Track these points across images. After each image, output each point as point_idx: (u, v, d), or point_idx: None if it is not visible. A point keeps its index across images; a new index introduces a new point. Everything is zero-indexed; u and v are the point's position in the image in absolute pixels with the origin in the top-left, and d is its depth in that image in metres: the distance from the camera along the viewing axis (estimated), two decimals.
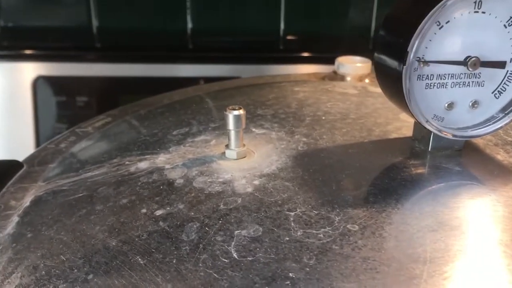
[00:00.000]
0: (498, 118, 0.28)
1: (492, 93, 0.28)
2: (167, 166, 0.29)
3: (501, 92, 0.28)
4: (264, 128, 0.33)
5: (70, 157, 0.34)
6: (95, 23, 0.96)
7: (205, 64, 0.88)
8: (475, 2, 0.26)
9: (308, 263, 0.21)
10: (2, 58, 0.87)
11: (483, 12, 0.26)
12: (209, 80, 0.83)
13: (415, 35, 0.25)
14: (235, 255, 0.22)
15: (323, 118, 0.35)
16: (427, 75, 0.27)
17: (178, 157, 0.30)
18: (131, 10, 0.95)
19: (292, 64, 0.84)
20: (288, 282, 0.20)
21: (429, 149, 0.29)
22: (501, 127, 0.28)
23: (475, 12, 0.26)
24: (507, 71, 0.27)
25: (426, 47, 0.26)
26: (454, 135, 0.28)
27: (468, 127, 0.28)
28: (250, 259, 0.21)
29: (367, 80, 0.46)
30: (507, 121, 0.28)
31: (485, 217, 0.24)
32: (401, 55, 0.26)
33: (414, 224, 0.23)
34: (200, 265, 0.21)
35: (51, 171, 0.32)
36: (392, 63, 0.26)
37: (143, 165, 0.30)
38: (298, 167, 0.28)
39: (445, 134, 0.28)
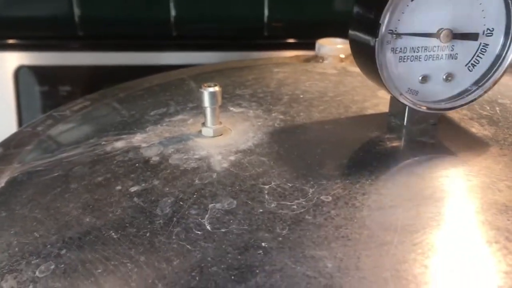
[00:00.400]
0: (471, 91, 0.28)
1: (466, 65, 0.28)
2: (143, 145, 0.29)
3: (474, 65, 0.28)
4: (242, 107, 0.33)
5: (46, 140, 0.33)
6: (77, 11, 0.95)
7: (189, 52, 0.87)
8: None
9: (281, 233, 0.21)
10: None
11: None
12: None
13: (386, 7, 0.25)
14: (208, 227, 0.22)
15: (301, 96, 0.35)
16: (400, 48, 0.27)
17: (154, 136, 0.30)
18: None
19: (276, 50, 0.84)
20: (260, 251, 0.20)
21: (405, 124, 0.29)
22: (474, 99, 0.28)
23: None
24: (480, 43, 0.28)
25: (399, 20, 0.26)
26: (428, 108, 0.28)
27: (442, 100, 0.28)
28: (223, 230, 0.21)
29: (349, 62, 0.46)
30: (480, 93, 0.28)
31: (458, 187, 0.24)
32: (373, 28, 0.26)
33: (387, 194, 0.23)
34: (174, 237, 0.21)
35: (27, 153, 0.32)
36: (365, 38, 0.26)
37: (119, 144, 0.30)
38: (274, 143, 0.28)
39: (419, 107, 0.28)
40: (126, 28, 0.94)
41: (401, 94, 0.27)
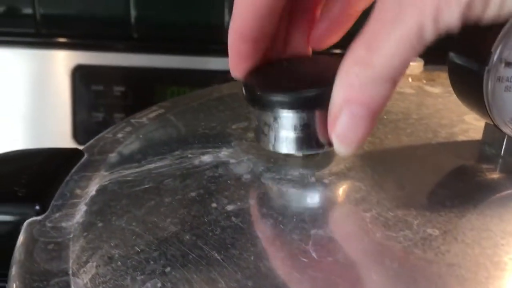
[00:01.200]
0: None
1: None
2: (232, 161, 0.29)
3: None
4: None
5: (129, 147, 0.34)
6: (133, 13, 0.96)
7: None
8: None
9: (391, 266, 0.20)
10: (41, 46, 0.88)
11: None
12: None
13: (500, 35, 0.24)
14: (314, 254, 0.21)
15: (385, 117, 0.34)
16: (507, 77, 0.26)
17: (241, 152, 0.30)
18: (168, 2, 0.95)
19: None
20: (373, 285, 0.19)
21: (502, 153, 0.28)
22: None
23: None
24: None
25: (510, 50, 0.25)
26: None
27: None
28: (329, 259, 0.21)
29: (424, 81, 0.45)
30: None
31: None
32: (483, 57, 0.25)
33: (496, 230, 0.22)
34: (279, 263, 0.21)
35: (112, 160, 0.32)
36: (471, 64, 0.26)
37: (207, 158, 0.30)
38: (367, 167, 0.28)
39: None
40: (179, 32, 0.95)
41: (505, 123, 0.26)
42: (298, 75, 0.27)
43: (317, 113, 0.26)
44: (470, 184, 0.26)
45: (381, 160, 0.28)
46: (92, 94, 0.88)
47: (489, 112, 0.26)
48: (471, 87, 0.26)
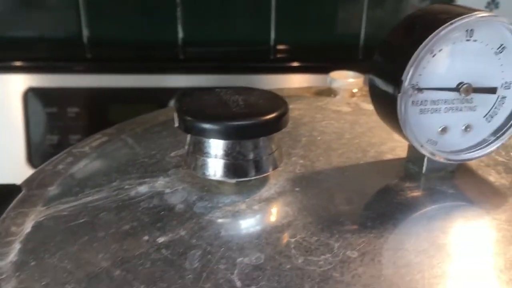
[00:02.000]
0: (490, 141, 0.29)
1: (484, 117, 0.29)
2: (167, 191, 0.30)
3: (493, 116, 0.29)
4: None
5: (69, 180, 0.34)
6: (85, 33, 0.96)
7: (195, 75, 0.88)
8: (466, 31, 0.26)
9: None
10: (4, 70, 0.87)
11: (475, 40, 0.27)
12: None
13: (409, 64, 0.26)
14: (238, 283, 0.22)
15: (319, 138, 0.35)
16: (421, 101, 0.27)
17: (177, 180, 0.31)
18: (121, 21, 0.95)
19: (282, 74, 0.85)
20: None
21: (423, 171, 0.30)
22: (492, 151, 0.29)
23: (467, 40, 0.27)
24: (498, 96, 0.28)
25: (420, 75, 0.27)
26: (447, 159, 0.28)
27: (461, 150, 0.29)
28: (253, 287, 0.22)
29: (361, 98, 0.47)
30: (498, 144, 0.29)
31: (480, 241, 0.25)
32: (396, 83, 0.26)
33: (411, 249, 0.24)
34: None
35: (50, 194, 0.32)
36: (388, 88, 0.27)
37: (143, 189, 0.30)
38: (297, 192, 0.29)
39: (438, 158, 0.28)
40: (133, 51, 0.95)
41: (421, 145, 0.28)
42: (231, 104, 0.28)
43: (249, 142, 0.27)
44: (392, 204, 0.27)
45: (311, 183, 0.29)
46: (46, 117, 0.87)
47: (405, 134, 0.27)
48: (388, 109, 0.27)
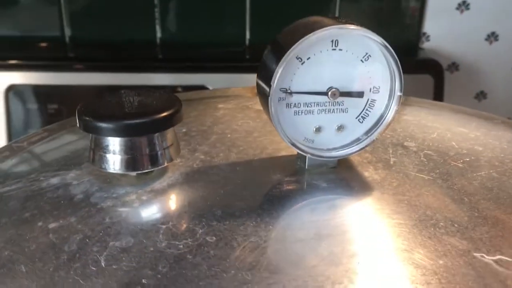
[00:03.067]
0: (362, 140, 0.32)
1: (356, 118, 0.31)
2: (74, 182, 0.33)
3: (364, 117, 0.31)
4: None
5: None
6: (67, 33, 0.99)
7: (173, 73, 0.91)
8: (332, 41, 0.29)
9: (162, 270, 0.24)
10: None
11: (340, 50, 0.29)
12: (180, 88, 0.87)
13: (276, 69, 0.29)
14: (103, 264, 0.25)
15: (228, 136, 0.38)
16: (295, 104, 0.30)
17: (86, 173, 0.34)
18: (102, 21, 0.99)
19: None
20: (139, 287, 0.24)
21: (306, 167, 0.33)
22: (364, 147, 0.32)
23: (333, 49, 0.29)
24: (368, 99, 0.31)
25: (291, 80, 0.30)
26: (320, 156, 0.31)
27: (336, 148, 0.32)
28: (114, 267, 0.25)
29: None
30: (369, 141, 0.32)
31: (325, 232, 0.28)
32: (269, 86, 0.29)
33: (265, 236, 0.27)
34: (71, 272, 0.25)
35: None
36: (264, 91, 0.30)
37: (54, 180, 0.33)
38: (186, 184, 0.32)
39: (316, 156, 0.31)
40: (113, 50, 0.99)
41: (293, 143, 0.31)
42: (126, 105, 0.31)
43: (141, 138, 0.31)
44: (266, 196, 0.30)
45: (202, 177, 0.33)
46: (27, 113, 0.92)
47: (279, 133, 0.30)
48: (266, 110, 0.30)
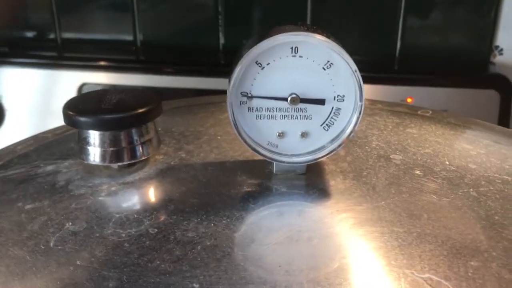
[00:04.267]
0: (327, 147, 0.32)
1: (321, 125, 0.31)
2: (64, 170, 0.36)
3: (329, 126, 0.31)
4: (163, 144, 0.39)
5: (14, 157, 0.42)
6: (139, 37, 1.06)
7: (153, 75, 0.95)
8: (291, 48, 0.30)
9: (97, 255, 0.26)
10: (62, 67, 0.99)
11: (300, 56, 0.30)
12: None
13: (234, 74, 0.30)
14: (52, 244, 0.28)
15: (219, 137, 0.40)
16: (256, 108, 0.31)
17: (77, 164, 0.37)
18: (170, 27, 1.05)
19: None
20: (72, 268, 0.26)
21: (274, 172, 0.33)
22: (329, 153, 0.32)
23: (293, 56, 0.30)
24: (333, 107, 0.31)
25: (252, 84, 0.30)
26: (281, 161, 0.32)
27: (301, 154, 0.32)
28: (59, 248, 0.27)
29: None
30: (334, 147, 0.31)
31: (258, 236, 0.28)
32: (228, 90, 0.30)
33: (201, 232, 0.28)
34: (24, 249, 0.28)
35: None
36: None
37: (49, 168, 0.37)
38: (155, 179, 0.34)
39: (280, 161, 0.32)
40: (179, 54, 1.04)
41: (264, 148, 0.31)
42: (104, 102, 0.34)
43: (119, 132, 0.33)
44: (220, 196, 0.31)
45: (173, 174, 0.34)
46: None
47: (243, 141, 0.31)
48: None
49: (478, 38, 0.99)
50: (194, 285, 0.24)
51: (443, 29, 0.99)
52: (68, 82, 0.99)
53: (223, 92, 0.60)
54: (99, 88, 0.97)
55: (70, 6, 1.05)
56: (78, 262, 0.26)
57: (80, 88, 0.98)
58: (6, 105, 0.96)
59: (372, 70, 0.81)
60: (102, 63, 1.00)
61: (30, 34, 1.09)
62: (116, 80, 0.97)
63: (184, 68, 0.96)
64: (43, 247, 0.27)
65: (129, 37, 1.06)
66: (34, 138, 0.46)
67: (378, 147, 0.38)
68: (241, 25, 1.02)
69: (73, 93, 0.98)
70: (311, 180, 0.33)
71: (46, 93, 1.00)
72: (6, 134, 0.94)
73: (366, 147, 0.37)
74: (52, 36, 1.05)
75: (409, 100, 0.81)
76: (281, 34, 0.29)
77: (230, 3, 1.00)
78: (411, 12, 0.94)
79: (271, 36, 0.29)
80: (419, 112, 0.47)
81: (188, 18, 1.04)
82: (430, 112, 0.47)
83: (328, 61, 0.30)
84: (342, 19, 0.94)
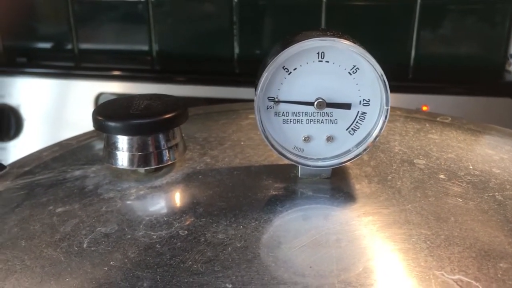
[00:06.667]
0: (353, 151, 0.32)
1: (347, 130, 0.32)
2: (92, 175, 0.37)
3: (355, 130, 0.32)
4: (188, 149, 0.39)
5: (41, 163, 0.42)
6: (155, 47, 1.08)
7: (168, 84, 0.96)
8: (318, 53, 0.30)
9: (130, 256, 0.27)
10: (79, 77, 1.01)
11: (327, 61, 0.30)
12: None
13: (261, 79, 0.30)
14: (84, 245, 0.28)
15: (242, 143, 0.40)
16: (283, 112, 0.32)
17: (105, 168, 0.38)
18: (186, 38, 1.06)
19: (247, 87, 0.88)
20: (106, 268, 0.26)
21: (299, 176, 0.33)
22: (354, 157, 0.32)
23: (320, 61, 0.30)
24: (358, 111, 0.31)
25: (279, 89, 0.31)
26: (307, 165, 0.32)
27: (326, 158, 0.32)
28: (92, 249, 0.28)
29: None
30: (359, 151, 0.32)
31: (297, 242, 0.28)
32: (255, 95, 0.31)
33: (231, 234, 0.28)
34: (58, 250, 0.28)
35: (21, 172, 0.41)
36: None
37: (77, 173, 0.38)
38: (182, 183, 0.34)
39: (305, 165, 0.32)
40: (195, 64, 1.05)
41: (290, 151, 0.32)
42: (133, 108, 0.34)
43: (151, 137, 0.34)
44: (247, 199, 0.32)
45: (199, 178, 0.35)
46: None
47: (270, 145, 0.32)
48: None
49: (493, 46, 0.99)
50: (227, 285, 0.24)
51: (457, 38, 0.99)
52: (85, 92, 1.00)
53: (238, 101, 0.60)
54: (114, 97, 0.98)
55: (87, 18, 1.06)
56: (112, 263, 0.27)
57: (97, 98, 0.99)
58: (24, 115, 0.98)
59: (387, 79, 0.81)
60: (119, 73, 1.01)
61: (47, 45, 1.10)
62: (133, 90, 0.98)
63: (199, 78, 0.97)
64: (76, 248, 0.28)
65: (145, 47, 1.08)
66: (59, 144, 0.47)
67: (401, 152, 0.38)
68: (256, 35, 1.03)
69: (90, 103, 0.99)
70: (336, 184, 0.33)
71: (64, 103, 1.02)
72: (24, 144, 0.95)
73: (389, 152, 0.38)
74: (69, 46, 1.07)
75: (424, 108, 0.81)
76: (308, 40, 0.29)
77: (245, 13, 1.01)
78: (425, 22, 0.94)
79: (298, 41, 0.29)
80: (438, 119, 0.47)
81: (203, 28, 1.05)
82: (450, 118, 0.47)
83: (354, 66, 0.30)
84: (356, 29, 0.95)
